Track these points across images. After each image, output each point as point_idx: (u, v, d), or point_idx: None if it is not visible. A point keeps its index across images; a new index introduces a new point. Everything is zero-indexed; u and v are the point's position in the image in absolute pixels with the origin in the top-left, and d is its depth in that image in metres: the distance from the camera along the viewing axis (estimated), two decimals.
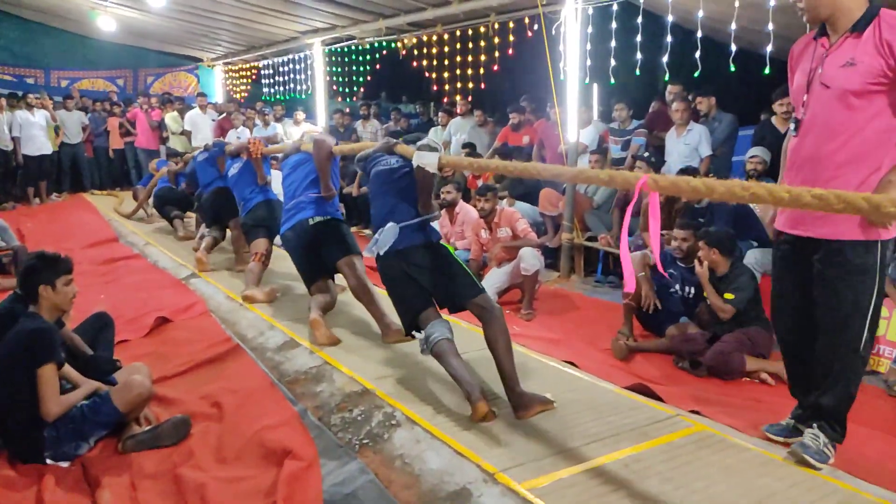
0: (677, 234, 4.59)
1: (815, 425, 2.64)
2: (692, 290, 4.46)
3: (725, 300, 4.02)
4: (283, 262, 5.31)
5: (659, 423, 2.94)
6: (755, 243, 5.00)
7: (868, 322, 2.49)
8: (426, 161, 3.15)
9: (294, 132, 9.45)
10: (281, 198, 4.97)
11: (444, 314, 3.26)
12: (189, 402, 3.43)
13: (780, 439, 2.82)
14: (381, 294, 3.97)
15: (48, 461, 2.81)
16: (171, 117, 11.30)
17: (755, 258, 4.71)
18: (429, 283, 3.19)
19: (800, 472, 2.53)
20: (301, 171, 4.59)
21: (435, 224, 3.64)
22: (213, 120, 11.24)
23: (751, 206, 5.35)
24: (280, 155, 5.53)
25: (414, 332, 3.21)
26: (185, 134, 11.05)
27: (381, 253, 3.25)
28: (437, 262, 3.22)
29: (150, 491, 2.69)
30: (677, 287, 4.53)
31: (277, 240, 5.08)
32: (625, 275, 2.32)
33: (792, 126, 2.66)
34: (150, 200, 8.69)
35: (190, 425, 3.13)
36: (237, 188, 5.69)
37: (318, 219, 4.35)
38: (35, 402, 2.79)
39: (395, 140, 3.61)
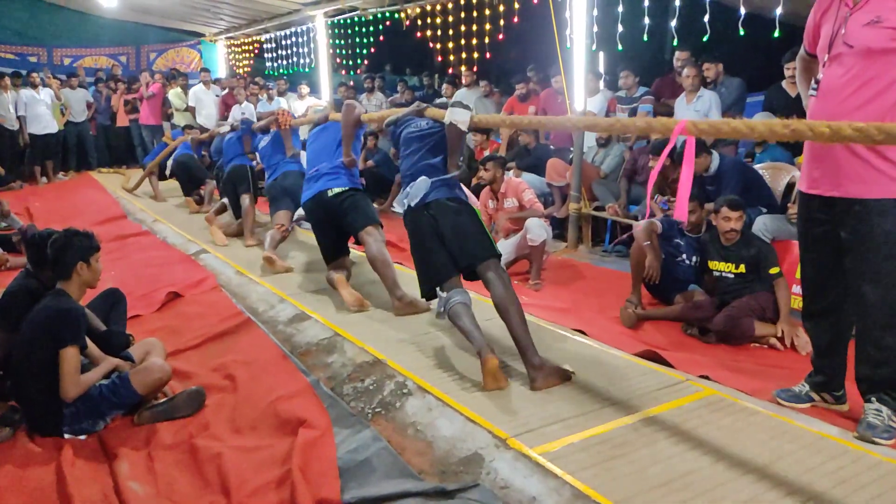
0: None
1: (873, 399, 2.60)
2: (697, 259, 4.45)
3: (772, 275, 3.98)
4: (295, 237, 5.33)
5: (669, 388, 2.96)
6: (764, 210, 4.97)
7: None
8: (459, 118, 3.23)
9: (298, 106, 9.41)
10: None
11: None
12: (203, 374, 3.48)
13: (792, 405, 2.83)
14: (397, 269, 4.05)
15: (66, 436, 2.86)
16: (174, 93, 11.25)
17: (765, 224, 4.68)
18: (452, 237, 3.22)
19: (810, 434, 2.55)
20: (324, 138, 4.62)
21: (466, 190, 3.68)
22: (217, 96, 11.19)
23: (760, 172, 5.33)
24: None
25: (437, 289, 3.24)
26: (189, 110, 11.01)
27: (412, 205, 3.31)
28: (461, 219, 3.26)
29: (167, 461, 2.74)
30: (684, 256, 4.52)
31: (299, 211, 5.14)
32: (679, 204, 2.36)
33: (812, 86, 2.62)
34: (169, 166, 8.66)
35: (204, 397, 3.17)
36: (266, 158, 5.80)
37: (336, 190, 4.36)
38: (55, 379, 2.83)
39: (425, 104, 3.68)
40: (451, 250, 3.24)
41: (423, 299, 3.53)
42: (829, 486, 2.18)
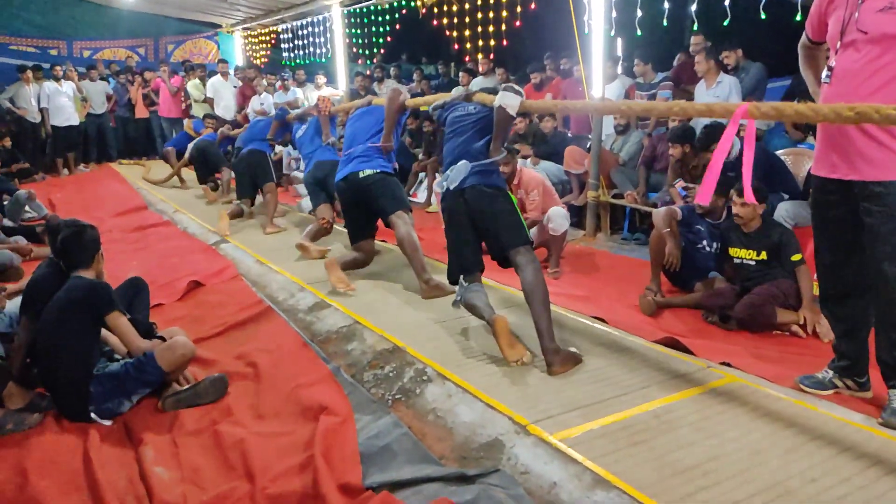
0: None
1: None
2: (717, 246, 4.40)
3: (794, 262, 3.94)
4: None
5: (689, 375, 2.95)
6: (786, 196, 4.92)
7: None
8: (508, 102, 3.23)
9: (315, 97, 9.42)
10: None
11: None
12: (225, 362, 3.52)
13: (815, 391, 2.80)
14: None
15: (92, 415, 2.91)
16: (193, 85, 11.33)
17: (786, 211, 4.64)
18: (487, 222, 3.26)
19: (833, 421, 2.53)
20: (364, 122, 4.65)
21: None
22: (235, 87, 11.25)
23: (783, 158, 5.26)
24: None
25: (460, 277, 3.32)
26: (208, 101, 11.07)
27: (451, 188, 3.34)
28: (498, 205, 3.28)
29: (192, 447, 2.77)
30: (705, 243, 4.48)
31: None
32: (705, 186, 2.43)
33: (825, 73, 2.60)
34: (189, 149, 8.70)
35: (227, 384, 3.21)
36: (303, 146, 5.86)
37: (367, 171, 4.38)
38: (87, 354, 2.94)
39: (474, 89, 3.70)
40: (484, 236, 3.28)
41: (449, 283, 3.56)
42: (854, 473, 2.17)
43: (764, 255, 4.02)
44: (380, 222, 4.60)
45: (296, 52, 11.92)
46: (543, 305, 3.03)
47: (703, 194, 2.32)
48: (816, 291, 4.06)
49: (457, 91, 3.84)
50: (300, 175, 7.59)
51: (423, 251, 4.33)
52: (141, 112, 12.06)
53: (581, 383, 2.87)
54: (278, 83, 10.64)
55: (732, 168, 4.97)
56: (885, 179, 2.43)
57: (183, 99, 11.68)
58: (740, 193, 3.98)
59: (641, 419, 2.55)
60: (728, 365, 3.11)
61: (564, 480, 2.19)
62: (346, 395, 2.97)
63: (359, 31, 10.65)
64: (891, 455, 2.28)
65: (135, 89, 11.97)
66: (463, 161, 3.33)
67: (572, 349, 3.07)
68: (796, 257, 3.93)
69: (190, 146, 8.65)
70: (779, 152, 5.38)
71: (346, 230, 4.66)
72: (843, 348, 2.80)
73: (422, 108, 5.34)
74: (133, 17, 13.59)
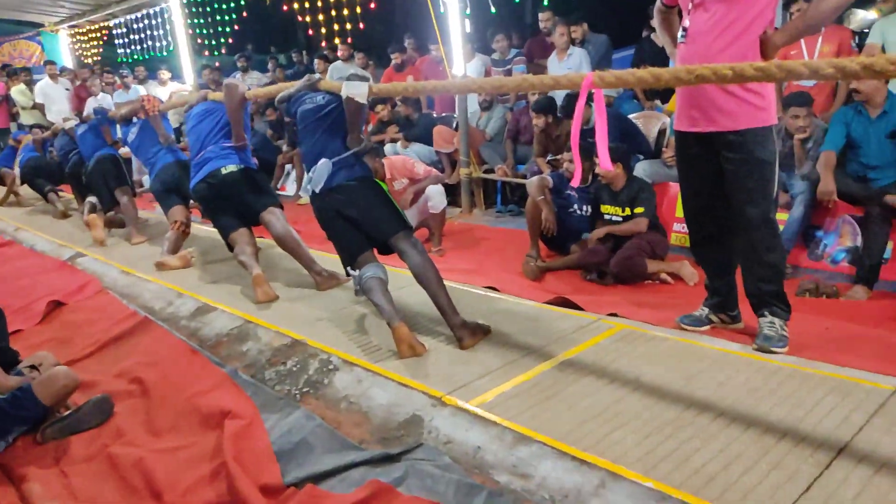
0: (566, 157, 4.77)
1: (766, 313, 2.84)
2: (589, 209, 4.65)
3: (636, 214, 4.21)
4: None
5: (583, 329, 3.11)
6: (641, 156, 5.27)
7: (774, 191, 2.75)
8: (356, 91, 3.09)
9: (161, 93, 8.83)
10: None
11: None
12: (105, 381, 3.25)
13: (695, 328, 3.05)
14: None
15: None
16: (18, 90, 10.26)
17: (643, 170, 4.98)
18: (360, 217, 3.17)
19: (715, 352, 2.77)
20: (209, 122, 4.32)
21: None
22: (67, 89, 10.31)
23: (634, 121, 5.63)
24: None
25: (348, 269, 3.20)
26: (38, 107, 10.11)
27: (317, 191, 3.20)
28: (369, 197, 3.20)
29: (84, 475, 2.55)
30: (576, 206, 4.72)
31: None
32: (575, 171, 2.64)
33: (680, 34, 2.80)
34: (17, 175, 7.92)
35: (112, 404, 2.97)
36: (140, 152, 5.32)
37: (231, 168, 4.14)
38: None
39: (318, 76, 3.47)
40: (362, 229, 3.19)
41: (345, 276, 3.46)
42: (741, 396, 2.39)
43: (628, 211, 4.29)
44: None
45: (132, 47, 11.12)
46: (438, 284, 3.04)
47: (603, 161, 2.44)
48: (678, 242, 4.47)
49: (303, 81, 3.55)
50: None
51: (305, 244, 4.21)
52: None
53: (485, 350, 2.94)
54: (117, 82, 9.87)
55: (592, 134, 5.27)
56: (740, 128, 2.67)
57: (9, 107, 10.54)
58: (612, 159, 4.20)
59: (548, 375, 2.66)
60: (615, 315, 3.30)
61: (487, 443, 2.24)
62: (248, 397, 2.85)
63: (202, 20, 10.10)
64: (770, 374, 2.53)
65: None
66: (323, 160, 3.21)
67: (480, 322, 3.12)
68: (638, 210, 4.21)
69: (16, 171, 7.83)
70: (631, 116, 5.75)
71: (217, 230, 4.39)
72: (715, 286, 3.06)
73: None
74: None
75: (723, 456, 2.04)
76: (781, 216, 4.18)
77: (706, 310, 3.08)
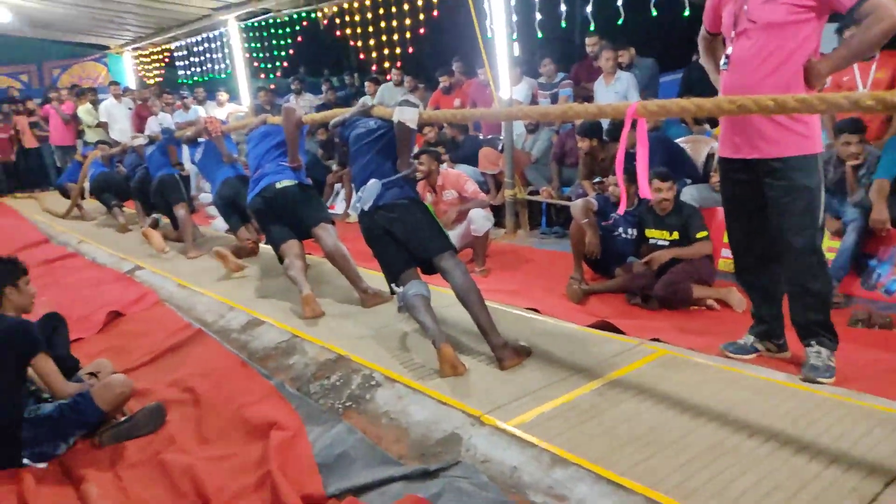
0: (611, 181, 4.78)
1: (813, 342, 2.81)
2: (634, 232, 4.64)
3: (696, 239, 4.18)
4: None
5: (624, 353, 3.11)
6: (689, 181, 5.24)
7: (820, 219, 2.73)
8: (407, 116, 3.23)
9: (218, 114, 9.17)
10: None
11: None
12: (159, 390, 3.39)
13: (739, 356, 3.02)
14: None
15: (25, 461, 2.75)
16: (84, 109, 10.79)
17: (690, 195, 4.94)
18: (406, 235, 3.26)
19: (760, 381, 2.74)
20: (266, 143, 4.53)
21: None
22: (130, 109, 10.80)
23: (682, 145, 5.60)
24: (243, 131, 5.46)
25: (393, 286, 3.29)
26: (102, 125, 10.59)
27: (366, 209, 3.32)
28: (415, 216, 3.30)
29: (137, 480, 2.67)
30: (620, 230, 4.71)
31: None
32: (621, 199, 2.72)
33: (723, 61, 2.83)
34: (87, 187, 8.29)
35: (165, 412, 3.10)
36: (206, 171, 5.66)
37: (286, 183, 4.29)
38: (16, 400, 2.75)
39: (371, 103, 3.63)
40: (407, 247, 3.28)
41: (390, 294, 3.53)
42: (784, 426, 2.36)
43: (676, 235, 4.27)
44: None
45: (192, 69, 11.55)
46: (480, 304, 3.09)
47: (643, 188, 2.51)
48: (725, 267, 4.41)
49: (357, 107, 3.74)
50: (209, 196, 7.39)
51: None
52: (30, 142, 11.36)
53: (525, 371, 2.97)
54: (177, 102, 10.30)
55: (636, 158, 5.27)
56: (783, 155, 2.67)
57: (76, 125, 11.09)
58: (662, 178, 4.21)
59: (587, 398, 2.67)
60: (658, 340, 3.29)
61: (524, 463, 2.27)
62: (293, 409, 2.94)
63: (258, 44, 10.45)
64: (815, 406, 2.49)
65: (22, 118, 11.26)
66: (373, 180, 3.34)
67: (521, 343, 3.15)
68: (701, 234, 4.19)
69: (86, 185, 8.22)
70: (678, 140, 5.72)
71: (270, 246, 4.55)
72: (761, 314, 3.03)
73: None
74: (11, 41, 12.73)
75: (762, 486, 2.02)
76: (833, 244, 4.11)
77: (752, 338, 3.05)
